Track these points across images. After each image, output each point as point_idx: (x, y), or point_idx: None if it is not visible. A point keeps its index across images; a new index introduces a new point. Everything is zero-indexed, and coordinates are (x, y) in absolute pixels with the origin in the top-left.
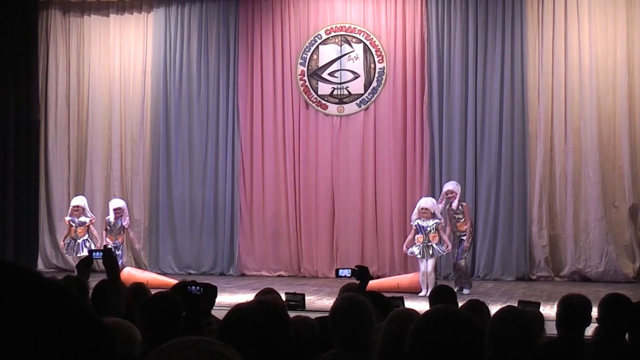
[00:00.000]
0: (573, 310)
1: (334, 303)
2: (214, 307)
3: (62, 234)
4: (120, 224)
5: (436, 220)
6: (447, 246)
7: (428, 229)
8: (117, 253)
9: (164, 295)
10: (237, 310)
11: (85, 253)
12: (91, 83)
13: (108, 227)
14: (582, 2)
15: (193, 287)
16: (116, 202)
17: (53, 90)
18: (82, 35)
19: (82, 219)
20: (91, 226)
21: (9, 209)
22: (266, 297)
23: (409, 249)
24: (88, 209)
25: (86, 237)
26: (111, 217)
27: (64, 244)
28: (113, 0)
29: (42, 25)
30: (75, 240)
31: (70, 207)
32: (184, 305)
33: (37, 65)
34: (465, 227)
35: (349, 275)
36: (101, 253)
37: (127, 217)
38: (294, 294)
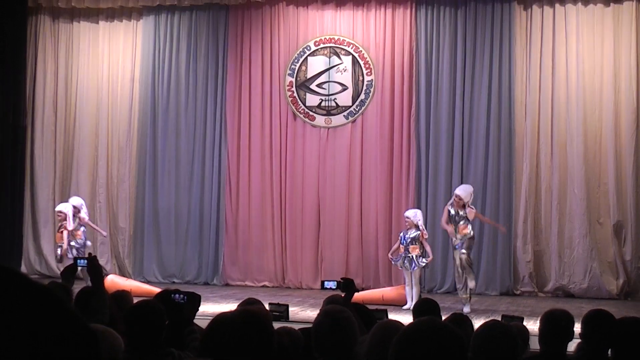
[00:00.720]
0: (556, 325)
1: (316, 318)
2: (196, 317)
3: (46, 240)
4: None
5: (417, 232)
6: (429, 257)
7: (408, 239)
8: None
9: (148, 304)
10: (220, 319)
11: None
12: (79, 90)
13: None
14: (570, 19)
15: (177, 295)
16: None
17: (40, 96)
18: (71, 42)
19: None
20: (64, 232)
21: None
22: (251, 307)
23: (393, 259)
24: (70, 216)
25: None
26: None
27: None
28: (103, 8)
29: (31, 30)
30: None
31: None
32: (167, 313)
33: (25, 70)
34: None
35: (334, 287)
36: (86, 261)
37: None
38: (278, 304)
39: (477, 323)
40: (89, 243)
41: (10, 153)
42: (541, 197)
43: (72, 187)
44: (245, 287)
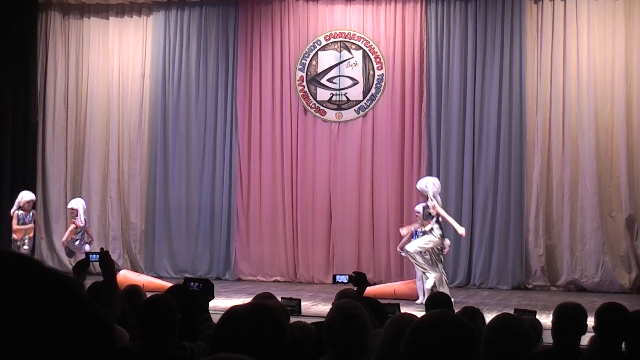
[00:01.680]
0: (568, 319)
1: (328, 314)
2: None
3: (58, 236)
4: (30, 218)
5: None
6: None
7: (420, 233)
8: (25, 248)
9: (159, 299)
10: (233, 312)
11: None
12: (90, 85)
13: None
14: (582, 12)
15: (192, 283)
16: (26, 194)
17: (51, 92)
18: (82, 38)
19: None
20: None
21: (5, 210)
22: (265, 301)
23: (402, 252)
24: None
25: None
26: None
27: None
28: (113, 3)
29: (41, 27)
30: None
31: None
32: (183, 302)
33: (35, 67)
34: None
35: (346, 281)
36: (98, 255)
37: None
38: (290, 299)
39: (489, 317)
40: (87, 247)
41: (22, 149)
42: (553, 191)
43: (84, 183)
44: (257, 282)
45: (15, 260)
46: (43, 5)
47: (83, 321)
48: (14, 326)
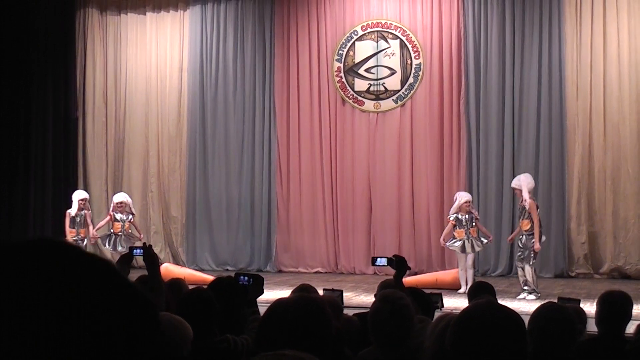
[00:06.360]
0: (613, 307)
1: (374, 304)
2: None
3: (101, 230)
4: (83, 215)
5: (473, 214)
6: (489, 237)
7: (464, 221)
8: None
9: (198, 292)
10: (278, 305)
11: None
12: (128, 81)
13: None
14: None
15: (242, 277)
16: (82, 193)
17: (91, 88)
18: (119, 33)
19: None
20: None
21: (48, 205)
22: (308, 294)
23: (448, 242)
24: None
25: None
26: (73, 210)
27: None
28: None
29: (79, 23)
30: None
31: (114, 203)
32: (226, 295)
33: (74, 63)
34: (529, 226)
35: (385, 264)
36: (141, 250)
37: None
38: (332, 290)
39: (533, 305)
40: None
41: (63, 145)
42: (594, 178)
43: (124, 177)
44: (298, 273)
45: (54, 246)
46: (81, 2)
47: (127, 302)
48: (56, 311)
